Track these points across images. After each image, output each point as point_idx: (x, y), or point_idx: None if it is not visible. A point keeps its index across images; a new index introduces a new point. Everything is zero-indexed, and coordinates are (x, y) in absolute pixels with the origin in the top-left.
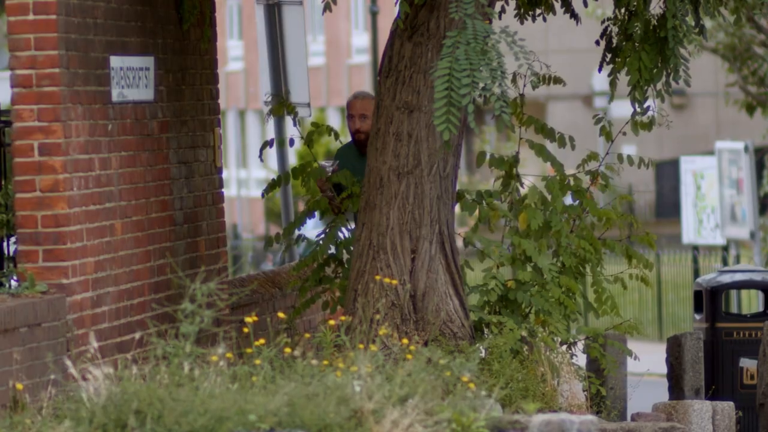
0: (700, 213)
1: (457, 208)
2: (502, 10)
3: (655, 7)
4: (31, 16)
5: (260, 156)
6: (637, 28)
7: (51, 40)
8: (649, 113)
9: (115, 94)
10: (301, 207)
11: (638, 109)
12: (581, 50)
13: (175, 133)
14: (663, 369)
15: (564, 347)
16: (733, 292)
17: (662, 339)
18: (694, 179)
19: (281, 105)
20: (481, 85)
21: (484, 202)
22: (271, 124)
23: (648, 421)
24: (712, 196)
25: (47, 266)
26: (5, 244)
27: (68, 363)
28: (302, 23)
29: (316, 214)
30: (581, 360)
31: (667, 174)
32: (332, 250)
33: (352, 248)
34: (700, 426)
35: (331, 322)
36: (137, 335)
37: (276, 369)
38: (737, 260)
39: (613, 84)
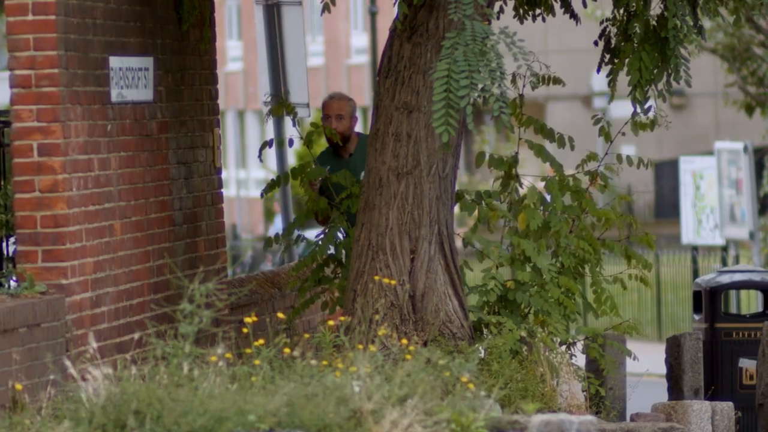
0: (699, 213)
1: (457, 208)
2: (501, 10)
3: (655, 8)
4: (30, 17)
5: (259, 156)
6: (636, 29)
7: (50, 40)
8: (650, 114)
9: (115, 95)
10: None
11: (639, 110)
12: (580, 50)
13: (174, 134)
14: (662, 369)
15: (563, 347)
16: (733, 293)
17: (661, 339)
18: (694, 179)
19: (280, 105)
20: (480, 86)
21: (483, 202)
22: (270, 124)
23: (647, 422)
24: (712, 197)
25: (46, 267)
26: (4, 244)
27: (67, 363)
28: (301, 23)
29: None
30: (580, 360)
31: (667, 174)
32: (331, 250)
33: (351, 248)
34: (700, 426)
35: (331, 322)
36: (136, 336)
37: (275, 369)
38: (736, 260)
39: (612, 84)
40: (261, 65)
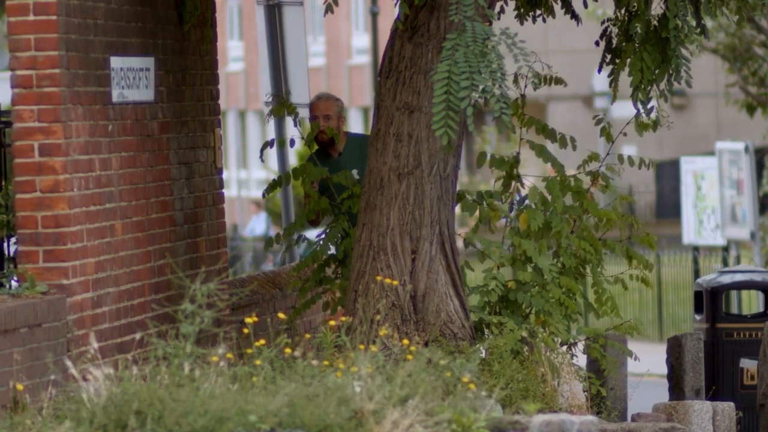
0: (700, 213)
1: (458, 208)
2: (502, 11)
3: (656, 8)
4: (31, 17)
5: (261, 156)
6: (637, 29)
7: (51, 40)
8: (652, 114)
9: (116, 95)
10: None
11: (642, 110)
12: (581, 51)
13: (175, 134)
14: (663, 370)
15: (564, 348)
16: (734, 293)
17: (662, 339)
18: (695, 180)
19: (282, 105)
20: (481, 87)
21: (484, 202)
22: (271, 124)
23: (648, 422)
24: (713, 197)
25: (47, 267)
26: (5, 244)
27: (68, 363)
28: (302, 24)
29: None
30: (582, 360)
31: (668, 174)
32: (332, 250)
33: (352, 249)
34: (701, 426)
35: (332, 322)
36: (138, 336)
37: (276, 369)
38: (737, 261)
39: (613, 85)
40: (262, 65)
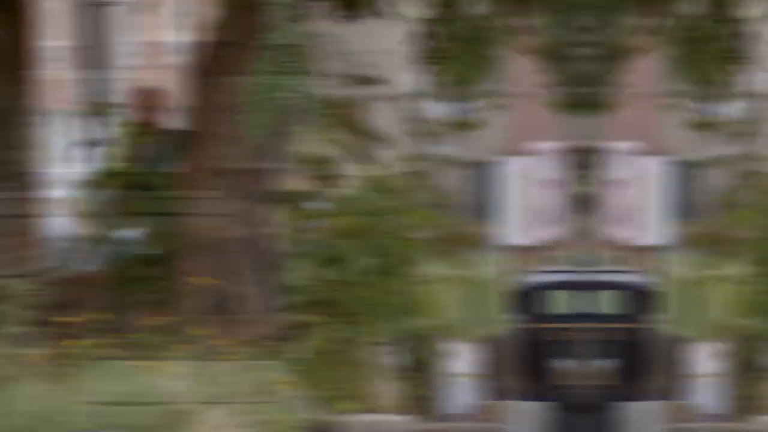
0: (517, 213)
1: (275, 208)
2: (318, 12)
3: (474, 9)
4: None
5: (75, 156)
6: (455, 29)
7: None
8: (469, 114)
9: None
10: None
11: (460, 110)
12: (398, 50)
13: None
14: (480, 370)
15: (382, 347)
16: (548, 293)
17: (479, 340)
18: (512, 180)
19: (97, 105)
20: (297, 86)
21: (301, 202)
22: (87, 124)
23: (466, 422)
24: (531, 197)
25: None
26: None
27: None
28: (117, 24)
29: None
30: (400, 360)
31: (486, 174)
32: (151, 250)
33: (170, 249)
34: (517, 426)
35: (151, 322)
36: None
37: (96, 369)
38: (553, 261)
39: (432, 84)
40: (80, 66)
